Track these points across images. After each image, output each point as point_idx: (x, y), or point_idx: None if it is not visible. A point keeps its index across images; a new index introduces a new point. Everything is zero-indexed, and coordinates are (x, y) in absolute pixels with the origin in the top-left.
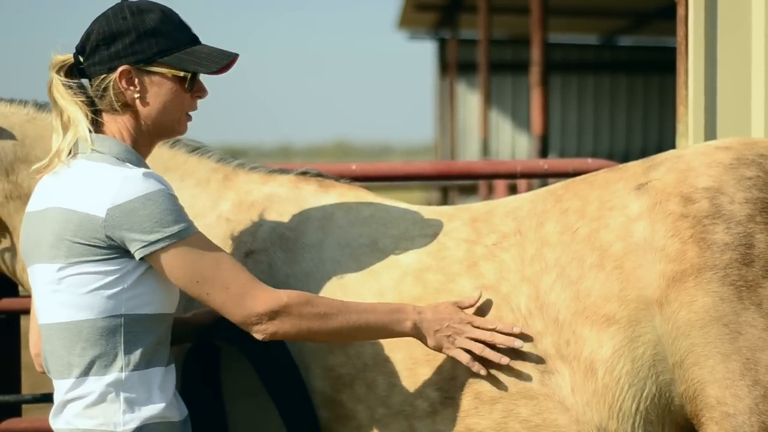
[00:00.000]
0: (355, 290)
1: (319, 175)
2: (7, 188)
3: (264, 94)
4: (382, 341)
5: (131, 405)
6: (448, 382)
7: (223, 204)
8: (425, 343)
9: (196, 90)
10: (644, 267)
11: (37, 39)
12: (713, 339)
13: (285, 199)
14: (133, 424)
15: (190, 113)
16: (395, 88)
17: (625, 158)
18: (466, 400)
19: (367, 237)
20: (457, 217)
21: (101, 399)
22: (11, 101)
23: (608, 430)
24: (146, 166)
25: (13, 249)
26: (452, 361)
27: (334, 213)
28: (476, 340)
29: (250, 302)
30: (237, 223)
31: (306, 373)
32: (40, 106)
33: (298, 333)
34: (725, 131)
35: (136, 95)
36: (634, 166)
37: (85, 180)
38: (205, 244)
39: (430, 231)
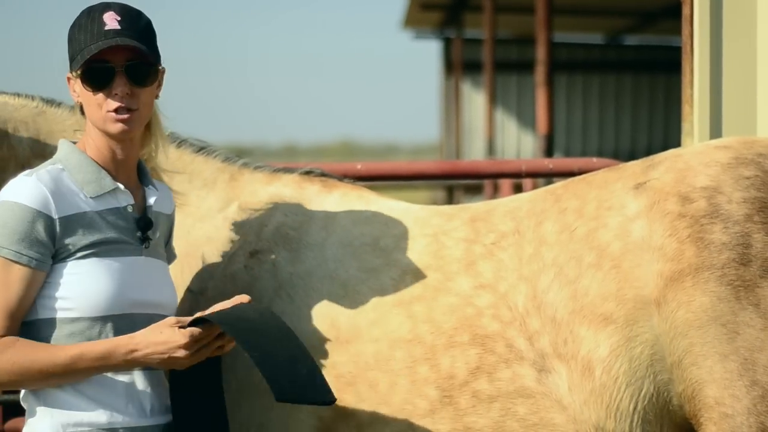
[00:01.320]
0: (356, 289)
1: (322, 174)
2: None
3: (269, 93)
4: (383, 340)
5: (48, 412)
6: (447, 381)
7: (228, 204)
8: (155, 367)
9: (114, 87)
10: (642, 266)
11: (36, 39)
12: (711, 339)
13: (289, 198)
14: None
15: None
16: (400, 88)
17: (631, 157)
18: (465, 398)
19: (369, 236)
20: (457, 217)
21: (31, 409)
22: (17, 94)
23: (606, 429)
24: (93, 169)
25: None
26: (450, 360)
27: (337, 212)
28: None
29: None
30: (242, 223)
31: None
32: (48, 101)
33: (4, 385)
34: (731, 130)
35: (77, 99)
36: (634, 166)
37: None
38: (4, 276)
39: (430, 230)
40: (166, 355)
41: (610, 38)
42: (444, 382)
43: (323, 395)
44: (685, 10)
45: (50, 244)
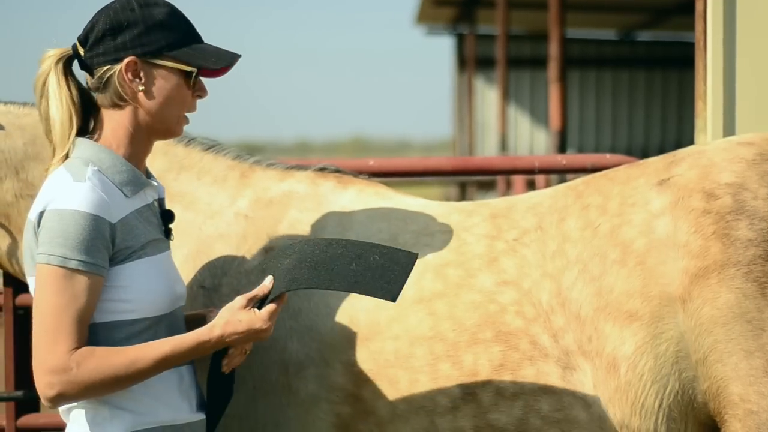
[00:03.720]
0: None
1: (337, 171)
2: (18, 186)
3: (282, 89)
4: (403, 337)
5: (117, 412)
6: (469, 378)
7: (240, 201)
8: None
9: (197, 89)
10: (667, 263)
11: (31, 39)
12: (736, 336)
13: (303, 195)
14: None
15: (188, 115)
16: (413, 84)
17: (644, 154)
18: (487, 395)
19: (387, 232)
20: (477, 213)
21: (93, 411)
22: (24, 104)
23: (630, 426)
24: (128, 168)
25: (19, 250)
26: (473, 357)
27: (353, 209)
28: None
29: (48, 355)
30: (255, 219)
31: (326, 369)
32: None
33: (88, 396)
34: (744, 126)
35: (141, 88)
36: (656, 162)
37: (44, 187)
38: (71, 287)
39: (450, 227)
40: (250, 339)
41: (623, 34)
42: (466, 379)
43: (408, 258)
44: (698, 6)
45: (110, 248)
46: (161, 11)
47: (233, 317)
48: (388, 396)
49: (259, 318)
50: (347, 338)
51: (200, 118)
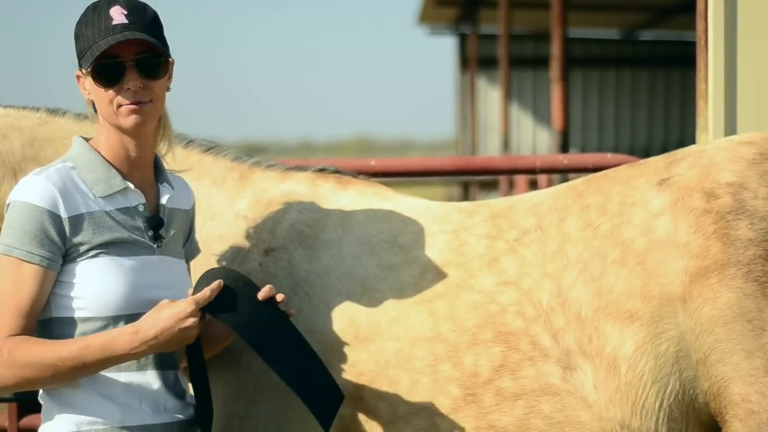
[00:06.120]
0: (375, 286)
1: (336, 171)
2: None
3: (285, 90)
4: (404, 338)
5: (62, 410)
6: (470, 379)
7: (240, 202)
8: (166, 349)
9: (125, 81)
10: (667, 263)
11: (30, 40)
12: (737, 335)
13: (303, 196)
14: None
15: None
16: (416, 84)
17: (646, 153)
18: (488, 396)
19: (387, 233)
20: (477, 213)
21: (46, 408)
22: (23, 108)
23: (631, 427)
24: (103, 168)
25: None
26: (474, 357)
27: (353, 209)
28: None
29: None
30: (255, 220)
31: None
32: (52, 111)
33: (17, 384)
34: (746, 126)
35: (88, 96)
36: (656, 162)
37: None
38: (15, 276)
39: (450, 227)
40: (175, 329)
41: (625, 33)
42: (467, 380)
43: (338, 397)
44: (700, 5)
45: (60, 243)
46: (82, 19)
47: (156, 309)
48: (389, 397)
49: (184, 303)
50: (348, 339)
51: (203, 119)
